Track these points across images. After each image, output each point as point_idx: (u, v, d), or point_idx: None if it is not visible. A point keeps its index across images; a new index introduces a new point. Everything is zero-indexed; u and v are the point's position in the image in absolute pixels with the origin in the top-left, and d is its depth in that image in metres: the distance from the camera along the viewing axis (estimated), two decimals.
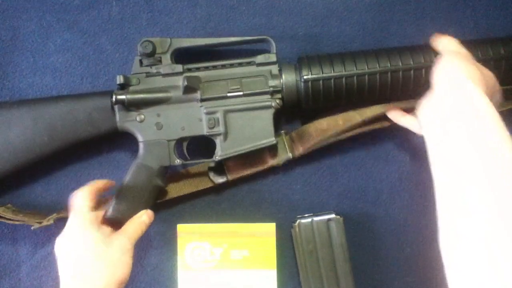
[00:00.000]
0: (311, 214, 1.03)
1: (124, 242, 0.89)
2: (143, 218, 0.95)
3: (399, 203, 1.08)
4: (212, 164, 1.05)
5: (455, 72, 0.81)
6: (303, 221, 1.02)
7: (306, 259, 1.01)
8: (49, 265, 1.07)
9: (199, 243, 1.05)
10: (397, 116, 0.99)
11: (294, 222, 1.02)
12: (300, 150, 1.05)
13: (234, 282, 1.04)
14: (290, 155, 1.04)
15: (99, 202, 0.97)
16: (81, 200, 0.92)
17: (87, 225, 0.89)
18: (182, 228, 1.06)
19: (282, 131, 1.05)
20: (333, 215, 1.01)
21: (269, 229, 1.05)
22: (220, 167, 1.05)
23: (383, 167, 1.08)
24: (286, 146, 1.05)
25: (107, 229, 0.94)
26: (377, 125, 1.03)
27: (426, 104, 0.84)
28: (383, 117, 1.02)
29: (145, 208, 1.00)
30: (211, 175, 1.05)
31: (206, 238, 1.05)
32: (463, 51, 0.91)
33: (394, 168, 1.08)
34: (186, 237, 1.05)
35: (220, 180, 1.05)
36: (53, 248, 1.05)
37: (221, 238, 1.05)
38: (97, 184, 0.97)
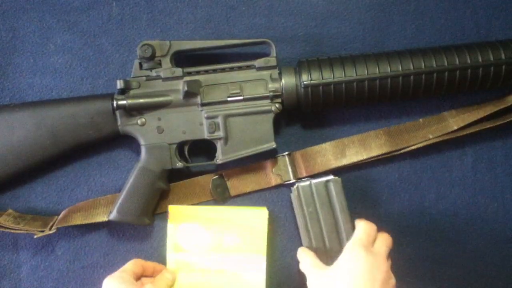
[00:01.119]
0: (309, 177, 1.03)
1: None
2: (170, 274, 1.03)
3: (399, 203, 1.09)
4: (215, 177, 1.07)
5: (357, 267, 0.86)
6: (301, 184, 1.01)
7: (307, 222, 1.00)
8: (49, 266, 1.09)
9: (190, 225, 1.06)
10: (303, 254, 0.99)
11: (293, 186, 1.02)
12: (303, 174, 1.07)
13: (223, 265, 1.05)
14: (292, 179, 1.06)
15: (141, 276, 1.00)
16: (130, 263, 0.99)
17: (123, 281, 0.93)
18: (174, 209, 1.06)
19: (286, 153, 1.06)
20: (331, 177, 1.00)
21: (261, 213, 1.05)
22: (222, 182, 1.06)
23: (383, 167, 1.09)
24: (290, 170, 1.06)
25: (140, 284, 0.97)
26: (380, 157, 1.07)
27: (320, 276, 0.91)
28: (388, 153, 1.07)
29: (148, 210, 1.02)
30: (213, 191, 1.06)
31: (198, 220, 1.06)
32: (378, 241, 0.92)
33: (394, 168, 1.09)
34: (177, 219, 1.06)
35: (222, 196, 1.07)
36: (53, 248, 1.07)
37: (213, 221, 1.06)
38: (148, 264, 1.02)
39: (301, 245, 1.03)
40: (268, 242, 1.05)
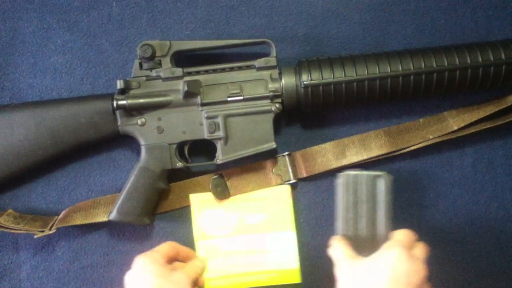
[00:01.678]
0: (362, 168, 1.01)
1: (182, 278, 0.94)
2: (201, 262, 1.02)
3: (399, 203, 1.08)
4: (215, 177, 1.06)
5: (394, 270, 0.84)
6: (352, 172, 0.97)
7: (347, 210, 0.97)
8: (50, 266, 1.09)
9: (213, 211, 1.06)
10: (336, 241, 0.96)
11: (342, 172, 0.99)
12: (303, 174, 1.07)
13: (253, 247, 1.05)
14: (292, 179, 1.06)
15: (174, 260, 1.01)
16: (165, 244, 0.99)
17: (155, 261, 0.93)
18: (195, 198, 1.06)
19: (286, 153, 1.06)
20: (383, 172, 0.97)
21: (283, 190, 1.06)
22: (222, 182, 1.06)
23: (383, 167, 1.09)
24: (290, 170, 1.06)
25: (172, 267, 0.97)
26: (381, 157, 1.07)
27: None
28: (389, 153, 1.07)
29: (148, 210, 1.02)
30: (213, 190, 1.06)
31: (220, 205, 1.06)
32: (416, 248, 0.91)
33: (394, 168, 1.09)
34: (200, 206, 1.06)
35: (221, 196, 1.06)
36: (53, 248, 1.07)
37: (236, 204, 1.06)
38: (182, 248, 1.02)
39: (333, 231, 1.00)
40: (297, 219, 1.06)
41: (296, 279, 1.05)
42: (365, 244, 0.96)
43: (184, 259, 1.02)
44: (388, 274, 0.83)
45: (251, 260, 1.05)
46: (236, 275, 1.05)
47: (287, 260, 1.05)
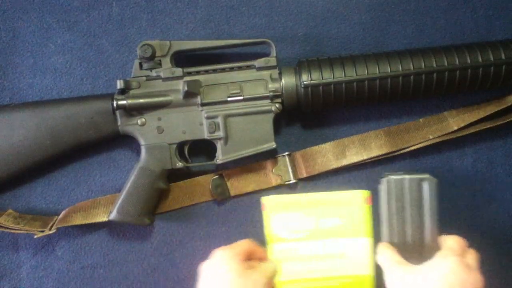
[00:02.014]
0: (403, 172, 0.99)
1: (259, 277, 0.91)
2: (274, 265, 0.99)
3: None
4: (215, 177, 1.06)
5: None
6: (394, 177, 0.95)
7: (393, 216, 0.95)
8: (50, 265, 1.09)
9: (286, 214, 1.03)
10: (385, 248, 0.95)
11: (383, 177, 0.97)
12: (304, 174, 1.07)
13: (327, 252, 1.02)
14: (292, 179, 1.07)
15: (249, 259, 0.98)
16: (244, 242, 0.96)
17: (234, 257, 0.91)
18: (267, 201, 1.03)
19: (286, 153, 1.06)
20: (427, 175, 0.95)
21: (358, 195, 1.02)
22: (222, 182, 1.06)
23: (383, 167, 1.09)
24: (290, 170, 1.06)
25: (248, 266, 0.94)
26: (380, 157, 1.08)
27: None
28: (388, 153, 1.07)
29: (148, 210, 1.02)
30: (213, 190, 1.06)
31: (294, 208, 1.03)
32: (468, 255, 0.88)
33: (394, 168, 1.09)
34: (272, 210, 1.03)
35: (221, 196, 1.06)
36: (53, 248, 1.07)
37: (310, 208, 1.03)
38: (258, 248, 0.99)
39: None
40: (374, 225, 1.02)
41: (369, 286, 1.01)
42: (413, 251, 0.94)
43: (259, 259, 0.99)
44: (442, 284, 0.81)
45: (324, 265, 1.02)
46: (308, 279, 1.02)
47: (361, 267, 1.01)
